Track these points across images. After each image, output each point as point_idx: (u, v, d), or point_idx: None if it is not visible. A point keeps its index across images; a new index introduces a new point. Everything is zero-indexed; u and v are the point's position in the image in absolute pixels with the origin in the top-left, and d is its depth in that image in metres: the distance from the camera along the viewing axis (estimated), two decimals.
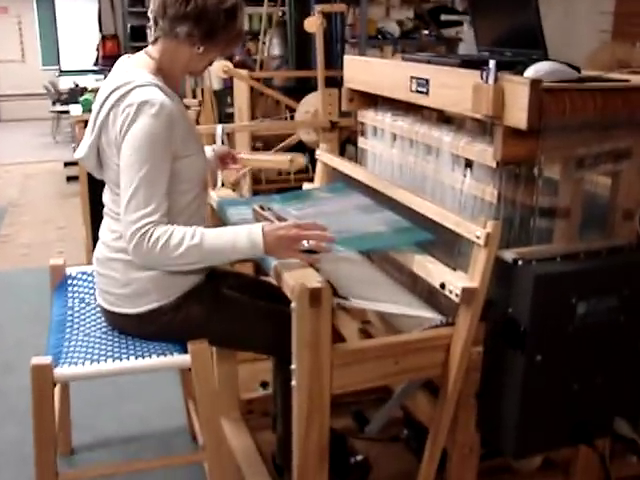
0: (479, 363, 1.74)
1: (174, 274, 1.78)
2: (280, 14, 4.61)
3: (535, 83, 1.50)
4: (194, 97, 3.99)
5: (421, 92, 1.90)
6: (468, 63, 1.78)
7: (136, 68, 1.77)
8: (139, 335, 1.83)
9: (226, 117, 4.53)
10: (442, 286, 1.66)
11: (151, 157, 1.67)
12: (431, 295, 1.85)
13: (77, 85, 7.90)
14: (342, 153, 3.57)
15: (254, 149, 3.95)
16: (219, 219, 2.23)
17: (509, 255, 1.65)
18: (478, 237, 1.59)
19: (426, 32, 4.34)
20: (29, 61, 12.44)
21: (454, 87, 1.75)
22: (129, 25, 7.79)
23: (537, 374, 1.65)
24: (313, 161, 3.85)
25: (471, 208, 1.81)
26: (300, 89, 4.31)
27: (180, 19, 1.73)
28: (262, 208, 2.02)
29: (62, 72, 11.47)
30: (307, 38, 4.24)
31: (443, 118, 2.06)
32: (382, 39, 4.29)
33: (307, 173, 3.86)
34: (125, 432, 2.66)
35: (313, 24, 3.20)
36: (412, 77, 1.93)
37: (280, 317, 1.76)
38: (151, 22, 1.79)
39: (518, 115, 1.53)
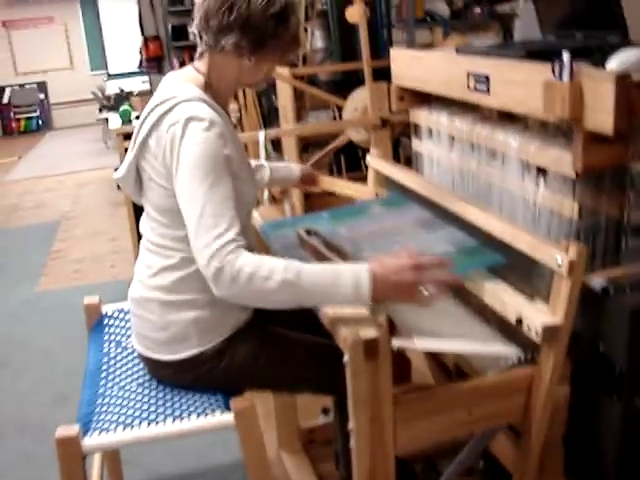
0: (565, 404, 1.49)
1: (218, 315, 1.60)
2: (322, 1, 4.37)
3: (622, 78, 1.23)
4: (235, 99, 3.79)
5: (481, 90, 1.65)
6: (535, 54, 1.52)
7: (183, 83, 1.58)
8: (177, 384, 1.64)
9: (275, 111, 4.32)
10: (519, 322, 1.41)
11: (212, 172, 1.46)
12: (503, 320, 1.61)
13: (122, 90, 7.82)
14: (396, 150, 3.33)
15: (304, 150, 3.73)
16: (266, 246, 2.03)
17: (597, 282, 1.39)
18: (560, 265, 1.34)
19: (478, 10, 4.04)
20: (78, 67, 12.51)
21: (519, 84, 1.50)
22: (170, 25, 7.65)
23: (637, 420, 1.39)
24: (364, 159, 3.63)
25: (547, 223, 1.56)
26: (348, 82, 4.06)
27: (224, 30, 1.53)
28: (308, 233, 1.80)
29: (110, 76, 11.48)
30: (351, 27, 3.98)
31: (507, 116, 1.79)
32: (431, 21, 4.00)
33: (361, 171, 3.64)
34: (180, 468, 2.50)
35: (355, 14, 2.94)
36: (469, 73, 1.68)
37: (337, 354, 1.56)
38: (196, 37, 1.60)
39: (602, 118, 1.27)
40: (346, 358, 1.32)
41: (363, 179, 3.63)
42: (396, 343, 1.41)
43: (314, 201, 3.38)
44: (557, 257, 1.34)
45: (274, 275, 1.37)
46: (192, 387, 1.63)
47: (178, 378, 1.63)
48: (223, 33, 1.53)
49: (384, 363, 1.32)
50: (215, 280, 1.40)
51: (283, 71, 3.32)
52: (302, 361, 1.69)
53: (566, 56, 1.30)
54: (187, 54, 7.72)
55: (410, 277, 1.37)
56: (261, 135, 2.79)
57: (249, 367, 1.63)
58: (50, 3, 11.90)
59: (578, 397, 1.47)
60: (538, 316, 1.37)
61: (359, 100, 3.12)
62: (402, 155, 3.84)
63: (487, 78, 1.61)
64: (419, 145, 2.13)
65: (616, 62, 1.32)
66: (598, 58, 1.40)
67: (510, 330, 1.56)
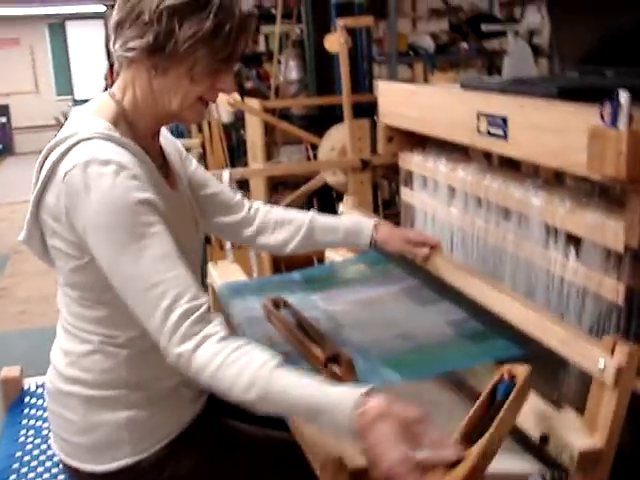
0: None
1: (158, 414, 1.24)
2: (297, 32, 4.09)
3: None
4: (200, 131, 3.45)
5: (495, 135, 1.34)
6: (570, 92, 1.21)
7: (89, 115, 1.20)
8: None
9: (243, 146, 3.99)
10: (544, 440, 1.08)
11: (131, 228, 1.09)
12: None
13: None
14: (375, 194, 3.01)
15: (273, 189, 3.41)
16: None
17: None
18: (602, 370, 1.01)
19: (465, 45, 3.77)
20: (43, 92, 12.15)
21: (550, 130, 1.19)
22: None
23: None
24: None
25: (577, 305, 1.24)
26: (324, 118, 3.77)
27: (117, 29, 1.16)
28: (276, 305, 1.47)
29: (76, 102, 11.11)
30: (329, 59, 3.70)
31: (519, 165, 1.48)
32: (414, 55, 3.73)
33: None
34: None
35: (335, 42, 2.66)
36: (480, 114, 1.37)
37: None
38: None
39: None
40: None
41: None
42: None
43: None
44: (599, 359, 1.01)
45: (231, 392, 1.05)
46: None
47: None
48: (117, 33, 1.16)
49: None
50: (179, 367, 1.09)
51: (253, 103, 3.01)
52: (263, 465, 1.34)
53: (623, 96, 0.99)
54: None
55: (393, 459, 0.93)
56: (225, 174, 2.45)
57: (198, 478, 1.27)
58: (16, 25, 11.53)
59: None
60: (572, 436, 1.04)
61: (337, 139, 2.81)
62: (380, 199, 3.54)
63: (504, 120, 1.29)
64: (410, 195, 1.81)
65: None
66: None
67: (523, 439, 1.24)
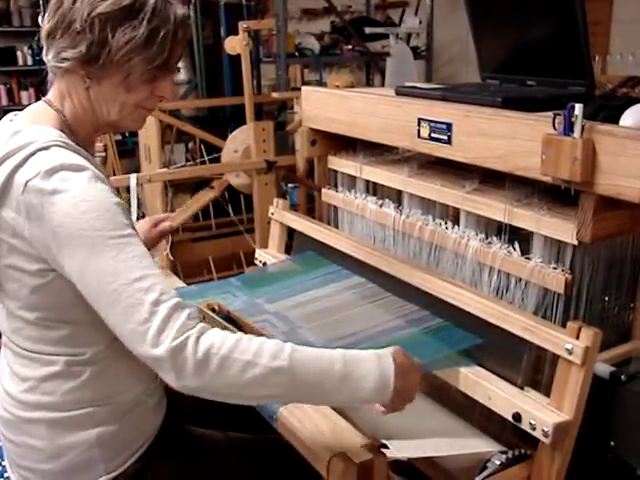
0: None
1: (128, 426, 1.22)
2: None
3: None
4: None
5: (438, 140, 1.42)
6: (513, 102, 1.31)
7: (32, 124, 1.14)
8: None
9: (125, 155, 3.89)
10: (517, 418, 1.18)
11: (112, 228, 1.05)
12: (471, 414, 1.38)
13: None
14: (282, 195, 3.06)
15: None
16: None
17: (604, 368, 1.20)
18: (570, 351, 1.12)
19: (349, 47, 3.89)
20: None
21: (498, 136, 1.29)
22: None
23: None
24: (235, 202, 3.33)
25: (519, 295, 1.35)
26: (213, 119, 3.78)
27: (49, 39, 1.14)
28: (213, 309, 1.49)
29: None
30: (218, 60, 3.72)
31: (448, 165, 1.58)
32: (300, 56, 3.79)
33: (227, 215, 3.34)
34: None
35: (237, 44, 2.67)
36: (422, 119, 1.45)
37: (274, 451, 1.34)
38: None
39: (624, 182, 1.08)
40: None
41: (230, 224, 3.34)
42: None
43: (182, 250, 3.04)
44: (566, 344, 1.12)
45: (259, 359, 1.03)
46: None
47: None
48: (48, 43, 1.14)
49: None
50: (171, 367, 1.01)
51: None
52: (245, 466, 1.36)
53: (578, 108, 1.10)
54: (15, 80, 7.03)
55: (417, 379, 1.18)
56: (132, 179, 2.42)
57: None
58: None
59: None
60: (545, 412, 1.14)
61: (240, 141, 2.83)
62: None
63: (449, 127, 1.39)
64: (335, 198, 1.86)
65: (631, 118, 1.13)
66: (590, 112, 1.21)
67: (480, 425, 1.34)
